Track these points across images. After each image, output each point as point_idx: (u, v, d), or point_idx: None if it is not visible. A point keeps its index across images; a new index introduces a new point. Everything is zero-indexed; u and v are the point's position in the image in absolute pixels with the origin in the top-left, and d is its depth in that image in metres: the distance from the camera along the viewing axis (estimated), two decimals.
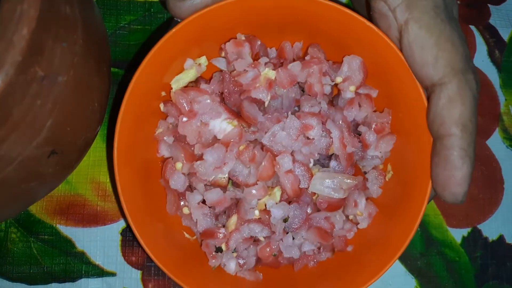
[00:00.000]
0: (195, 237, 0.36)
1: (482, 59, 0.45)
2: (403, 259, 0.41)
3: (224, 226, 0.34)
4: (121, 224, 0.40)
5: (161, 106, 0.35)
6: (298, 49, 0.36)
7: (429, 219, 0.42)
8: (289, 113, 0.33)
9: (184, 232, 0.36)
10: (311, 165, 0.34)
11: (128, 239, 0.40)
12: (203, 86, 0.34)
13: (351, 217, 0.36)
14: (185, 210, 0.35)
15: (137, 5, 0.43)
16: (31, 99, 0.25)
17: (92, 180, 0.40)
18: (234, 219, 0.34)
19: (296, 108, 0.36)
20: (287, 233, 0.34)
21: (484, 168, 0.44)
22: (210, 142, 0.34)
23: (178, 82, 0.34)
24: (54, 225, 0.39)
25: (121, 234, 0.40)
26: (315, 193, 0.34)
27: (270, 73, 0.33)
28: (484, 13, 0.46)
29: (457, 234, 0.42)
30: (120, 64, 0.42)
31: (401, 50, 0.30)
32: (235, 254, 0.34)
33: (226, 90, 0.34)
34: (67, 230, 0.39)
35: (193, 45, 0.34)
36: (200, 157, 0.33)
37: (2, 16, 0.22)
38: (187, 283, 0.31)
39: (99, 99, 0.31)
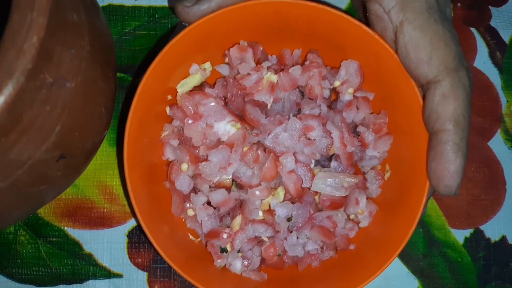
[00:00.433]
0: (199, 239, 0.36)
1: (483, 61, 0.45)
2: (406, 259, 0.42)
3: (228, 227, 0.35)
4: (128, 226, 0.40)
5: (167, 109, 0.35)
6: (297, 56, 0.37)
7: (432, 220, 0.43)
8: (291, 115, 0.34)
9: (189, 234, 0.36)
10: (312, 166, 0.35)
11: (135, 241, 0.40)
12: (207, 90, 0.35)
13: (352, 216, 0.37)
14: (190, 212, 0.35)
15: (141, 10, 0.43)
16: (40, 105, 0.25)
17: (99, 183, 0.41)
18: (238, 219, 0.34)
19: (297, 112, 0.36)
20: (291, 232, 0.35)
21: (486, 169, 0.44)
22: (214, 144, 0.35)
23: (184, 86, 0.35)
24: (62, 227, 0.40)
25: (128, 236, 0.40)
26: (317, 194, 0.35)
27: (272, 76, 0.34)
28: (485, 15, 0.46)
29: (460, 235, 0.43)
30: (126, 69, 0.42)
31: (396, 50, 0.31)
32: (240, 254, 0.35)
33: (229, 94, 0.35)
34: (75, 233, 0.40)
35: (197, 51, 0.35)
36: (205, 160, 0.34)
37: (12, 25, 0.23)
38: (196, 280, 0.32)
39: (105, 104, 0.32)
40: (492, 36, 0.46)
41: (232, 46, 0.35)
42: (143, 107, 0.32)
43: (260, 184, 0.34)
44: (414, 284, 0.42)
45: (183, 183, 0.34)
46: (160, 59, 0.31)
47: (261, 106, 0.35)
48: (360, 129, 0.36)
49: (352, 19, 0.32)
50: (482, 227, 0.43)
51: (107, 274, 0.39)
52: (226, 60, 0.36)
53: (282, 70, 0.36)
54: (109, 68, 0.33)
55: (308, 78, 0.35)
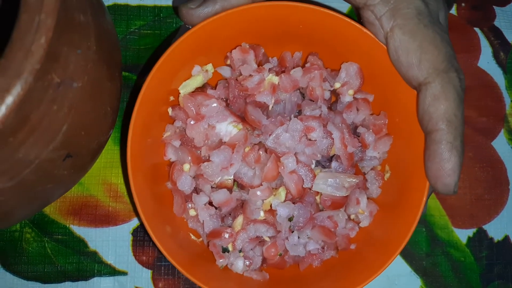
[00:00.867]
0: (201, 239, 0.37)
1: (487, 60, 0.45)
2: (409, 259, 0.42)
3: (230, 227, 0.35)
4: (132, 224, 0.41)
5: (169, 110, 0.36)
6: (298, 58, 0.38)
7: (435, 219, 0.43)
8: (292, 116, 0.34)
9: (191, 234, 0.37)
10: (313, 166, 0.35)
11: (139, 239, 0.41)
12: (209, 91, 0.36)
13: (353, 216, 0.37)
14: (192, 212, 0.36)
15: (146, 10, 0.43)
16: (47, 105, 0.26)
17: (104, 181, 0.41)
18: (240, 219, 0.35)
19: (298, 113, 0.37)
20: (293, 232, 0.35)
21: (490, 169, 0.44)
22: (216, 144, 0.35)
23: (186, 87, 0.35)
24: (67, 225, 0.40)
25: (132, 234, 0.41)
26: (318, 194, 0.35)
27: (273, 78, 0.35)
28: (489, 15, 0.46)
29: (463, 235, 0.43)
30: (131, 68, 0.43)
31: (388, 55, 0.32)
32: (241, 254, 0.35)
33: (231, 95, 0.35)
34: (80, 230, 0.40)
35: (199, 53, 0.35)
36: (206, 160, 0.34)
37: (20, 26, 0.23)
38: (199, 279, 0.32)
39: (111, 103, 0.32)
40: (496, 36, 0.46)
41: (234, 48, 0.35)
42: (146, 108, 0.32)
43: (262, 185, 0.34)
44: (417, 283, 0.42)
45: (185, 184, 0.35)
46: (163, 61, 0.32)
47: (263, 107, 0.36)
48: (360, 130, 0.36)
49: (352, 22, 0.32)
50: (485, 227, 0.43)
51: (112, 271, 0.40)
52: (228, 62, 0.37)
53: (283, 72, 0.36)
54: (115, 67, 0.33)
55: (309, 80, 0.36)
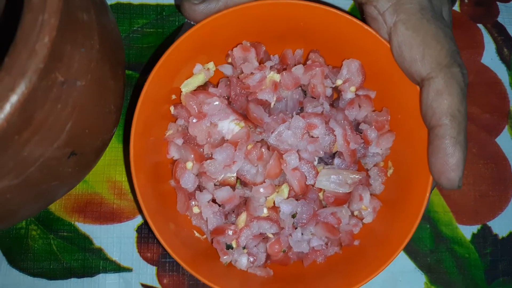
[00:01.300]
0: (204, 236, 0.37)
1: (491, 57, 0.45)
2: (413, 255, 0.42)
3: (233, 224, 0.36)
4: (137, 221, 0.41)
5: (172, 108, 0.36)
6: (299, 56, 0.38)
7: (439, 216, 0.43)
8: (294, 113, 0.34)
9: (194, 231, 0.37)
10: (315, 163, 0.35)
11: (144, 236, 0.41)
12: (211, 89, 0.36)
13: (356, 212, 0.37)
14: (195, 210, 0.36)
15: (149, 8, 0.44)
16: (52, 103, 0.26)
17: (108, 179, 0.41)
18: (243, 216, 0.35)
19: (299, 110, 0.37)
20: (296, 228, 0.35)
21: (494, 166, 0.44)
22: (218, 142, 0.35)
23: (188, 86, 0.36)
24: (72, 222, 0.41)
25: (137, 231, 0.41)
26: (321, 190, 0.35)
27: (275, 76, 0.35)
28: (493, 11, 0.46)
29: (467, 231, 0.43)
30: (134, 66, 0.43)
31: (391, 50, 0.32)
32: (245, 251, 0.35)
33: (233, 93, 0.35)
34: (85, 227, 0.41)
35: (201, 52, 0.35)
36: (209, 158, 0.35)
37: (24, 26, 0.23)
38: (203, 276, 0.32)
39: (115, 102, 0.33)
40: (499, 32, 0.45)
41: (235, 47, 0.35)
42: (148, 106, 0.32)
43: (265, 182, 0.34)
44: (421, 279, 0.42)
45: (188, 181, 0.35)
46: (165, 59, 0.32)
47: (264, 105, 0.36)
48: (363, 126, 0.36)
49: (353, 19, 0.32)
50: (489, 223, 0.43)
51: (117, 268, 0.40)
52: (229, 60, 0.37)
53: (285, 69, 0.36)
54: (118, 66, 0.33)
55: (311, 77, 0.36)
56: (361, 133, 0.36)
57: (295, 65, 0.36)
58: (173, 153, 0.36)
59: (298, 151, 0.34)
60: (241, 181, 0.36)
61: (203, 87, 0.37)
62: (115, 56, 0.32)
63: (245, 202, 0.36)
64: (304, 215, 0.34)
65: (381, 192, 0.37)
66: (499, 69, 0.45)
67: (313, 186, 0.35)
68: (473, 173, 0.43)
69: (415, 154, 0.33)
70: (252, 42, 0.36)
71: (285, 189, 0.35)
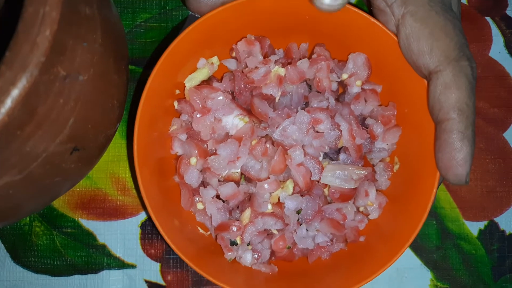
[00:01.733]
0: (209, 232, 0.37)
1: (499, 50, 0.44)
2: (419, 251, 0.42)
3: (238, 220, 0.35)
4: (140, 217, 0.41)
5: (175, 104, 0.36)
6: (304, 49, 0.37)
7: (445, 212, 0.42)
8: (299, 108, 0.34)
9: (198, 228, 0.37)
10: (320, 158, 0.35)
11: (147, 232, 0.41)
12: (215, 84, 0.35)
13: (362, 208, 0.37)
14: (199, 206, 0.36)
15: (152, 3, 0.43)
16: (54, 98, 0.26)
17: (112, 175, 0.41)
18: (248, 212, 0.35)
19: (304, 105, 0.36)
20: (301, 224, 0.35)
21: (501, 161, 0.43)
22: (223, 137, 0.35)
23: (192, 80, 0.35)
24: (76, 219, 0.40)
25: (140, 227, 0.41)
26: (326, 186, 0.35)
27: (280, 70, 0.35)
28: (501, 4, 0.45)
29: (474, 227, 0.42)
30: (137, 61, 0.42)
31: (398, 43, 0.31)
32: (250, 247, 0.35)
33: (237, 88, 0.35)
34: (89, 224, 0.40)
35: (205, 46, 0.35)
36: (213, 154, 0.34)
37: (25, 19, 0.23)
38: (207, 272, 0.32)
39: (118, 97, 0.32)
40: (508, 25, 0.45)
41: (240, 40, 0.35)
42: (152, 102, 0.32)
43: (269, 177, 0.34)
44: (427, 276, 0.41)
45: (192, 177, 0.35)
46: (168, 54, 0.32)
47: (269, 99, 0.35)
48: (369, 121, 0.36)
49: (359, 11, 0.32)
50: (496, 219, 0.42)
51: (121, 264, 0.40)
52: (233, 54, 0.36)
53: (290, 63, 0.36)
54: (121, 61, 0.33)
55: (316, 71, 0.35)
56: (367, 128, 0.36)
57: (300, 59, 0.36)
58: (177, 149, 0.36)
59: (303, 146, 0.34)
60: (246, 177, 0.36)
61: (207, 82, 0.37)
62: (118, 50, 0.32)
63: (249, 198, 0.36)
64: (309, 211, 0.34)
65: (387, 187, 0.36)
66: (508, 63, 0.44)
67: (318, 182, 0.35)
68: (480, 169, 0.43)
69: (422, 149, 0.33)
70: (257, 36, 0.36)
71: (290, 185, 0.34)
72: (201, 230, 0.37)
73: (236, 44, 0.35)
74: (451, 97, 0.29)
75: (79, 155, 0.30)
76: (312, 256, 0.36)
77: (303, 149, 0.34)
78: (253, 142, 0.34)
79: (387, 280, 0.41)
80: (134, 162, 0.32)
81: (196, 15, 0.33)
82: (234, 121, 0.35)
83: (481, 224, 0.42)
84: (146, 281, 0.40)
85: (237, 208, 0.36)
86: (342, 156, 0.36)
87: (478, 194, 0.43)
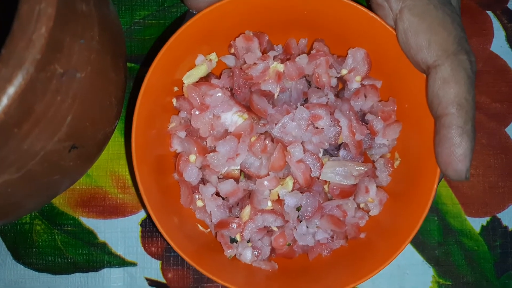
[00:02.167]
0: (208, 230, 0.37)
1: (500, 44, 0.44)
2: (421, 248, 0.41)
3: (237, 217, 0.35)
4: (141, 215, 0.41)
5: (174, 101, 0.36)
6: (303, 45, 0.37)
7: (447, 208, 0.42)
8: (298, 104, 0.34)
9: (198, 225, 0.36)
10: (320, 155, 0.35)
11: (148, 230, 0.41)
12: (214, 81, 0.35)
13: (362, 205, 0.36)
14: (199, 203, 0.35)
15: (150, 0, 0.43)
16: (51, 95, 0.25)
17: (112, 173, 0.41)
18: (247, 209, 0.34)
19: (304, 101, 0.36)
20: (301, 221, 0.35)
21: (503, 156, 0.43)
22: (222, 134, 0.35)
23: (190, 77, 0.35)
24: (76, 217, 0.40)
25: (141, 225, 0.41)
26: (326, 183, 0.35)
27: (278, 66, 0.34)
28: None
29: (476, 223, 0.42)
30: (136, 59, 0.42)
31: (397, 38, 0.31)
32: (250, 244, 0.35)
33: (236, 84, 0.35)
34: (89, 222, 0.40)
35: (203, 42, 0.35)
36: (212, 151, 0.34)
37: (21, 16, 0.23)
38: (207, 270, 0.32)
39: (116, 94, 0.32)
40: (509, 19, 0.44)
41: (238, 37, 0.35)
42: (149, 99, 0.32)
43: (269, 174, 0.34)
44: (429, 272, 0.41)
45: (191, 174, 0.35)
46: (165, 50, 0.31)
47: (268, 96, 0.35)
48: (369, 117, 0.36)
49: (358, 6, 0.32)
50: (499, 215, 0.42)
51: (122, 262, 0.40)
52: (232, 50, 0.36)
53: (288, 59, 0.35)
54: (119, 58, 0.33)
55: (315, 67, 0.35)
56: (367, 123, 0.36)
57: (299, 54, 0.36)
58: (176, 146, 0.36)
59: (302, 143, 0.34)
60: (245, 174, 0.35)
61: (205, 79, 0.36)
62: (116, 47, 0.32)
63: (249, 195, 0.35)
64: (309, 208, 0.34)
65: (387, 184, 0.36)
66: (509, 57, 0.44)
67: (318, 178, 0.35)
68: (482, 164, 0.43)
69: (422, 144, 0.32)
70: (255, 32, 0.36)
71: (289, 182, 0.34)
72: (201, 228, 0.37)
73: (235, 40, 0.35)
74: (450, 91, 0.29)
75: (78, 153, 0.30)
76: (313, 253, 0.35)
77: (303, 146, 0.34)
78: (252, 139, 0.34)
79: (389, 277, 0.41)
80: (132, 160, 0.31)
81: (194, 11, 0.33)
82: (233, 118, 0.35)
83: (484, 220, 0.42)
84: (147, 279, 0.40)
85: (237, 205, 0.36)
86: (342, 152, 0.35)
87: (480, 190, 0.42)
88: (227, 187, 0.34)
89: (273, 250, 0.36)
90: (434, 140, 0.31)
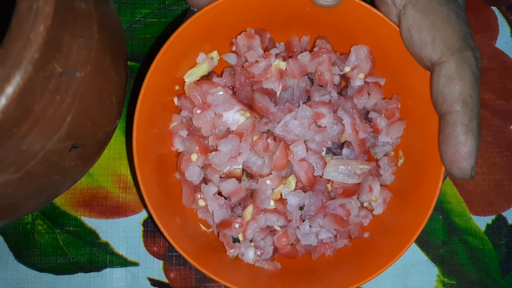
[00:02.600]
0: (211, 229, 0.36)
1: (505, 41, 0.43)
2: (425, 247, 0.41)
3: (240, 217, 0.35)
4: (143, 215, 0.41)
5: (175, 100, 0.35)
6: (306, 42, 0.37)
7: (452, 206, 0.42)
8: (301, 102, 0.34)
9: (201, 225, 0.36)
10: (323, 153, 0.35)
11: (150, 230, 0.40)
12: (215, 79, 0.35)
13: (366, 204, 0.36)
14: (201, 203, 0.35)
15: None
16: (50, 95, 0.25)
17: (113, 172, 0.41)
18: (250, 209, 0.34)
19: (306, 99, 0.36)
20: (304, 220, 0.34)
21: (509, 154, 0.42)
22: (223, 133, 0.34)
23: (191, 76, 0.35)
24: (78, 217, 0.40)
25: (143, 225, 0.40)
26: (329, 182, 0.35)
27: (281, 64, 0.34)
28: None
29: (481, 222, 0.41)
30: (137, 57, 0.42)
31: (400, 34, 0.31)
32: (252, 244, 0.35)
33: (237, 83, 0.34)
34: (91, 222, 0.40)
35: (204, 40, 0.34)
36: (214, 150, 0.34)
37: (19, 15, 0.23)
38: (209, 270, 0.32)
39: (116, 93, 0.32)
40: None
41: (239, 34, 0.34)
42: (150, 98, 0.32)
43: (271, 173, 0.34)
44: (434, 272, 0.41)
45: (193, 174, 0.34)
46: (166, 49, 0.31)
47: (270, 94, 0.35)
48: (372, 115, 0.35)
49: (361, 2, 0.31)
50: (504, 213, 0.42)
51: (124, 262, 0.40)
52: (233, 48, 0.36)
53: (291, 57, 0.35)
54: (119, 57, 0.32)
55: (318, 65, 0.35)
56: (370, 121, 0.35)
57: (301, 52, 0.35)
58: (178, 145, 0.36)
59: (305, 141, 0.34)
60: (247, 173, 0.35)
61: (207, 77, 0.36)
62: (116, 46, 0.32)
63: (251, 195, 0.35)
64: (312, 207, 0.34)
65: (391, 182, 0.36)
66: None
67: (321, 177, 0.34)
68: (487, 162, 0.42)
69: (427, 142, 0.32)
70: (257, 29, 0.35)
71: (292, 181, 0.34)
72: (203, 227, 0.36)
73: (236, 38, 0.35)
74: (455, 89, 0.29)
75: (78, 153, 0.30)
76: (316, 253, 0.35)
77: (305, 144, 0.33)
78: (255, 138, 0.34)
79: (393, 276, 0.40)
80: (133, 159, 0.31)
81: (195, 9, 0.32)
82: (235, 117, 0.35)
83: (489, 219, 0.42)
84: (149, 279, 0.40)
85: (239, 204, 0.36)
86: (345, 150, 0.35)
87: (485, 188, 0.42)
88: (229, 186, 0.34)
89: (275, 249, 0.35)
90: (438, 138, 0.30)
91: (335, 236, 0.35)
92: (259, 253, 0.35)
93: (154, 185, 0.33)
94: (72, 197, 0.40)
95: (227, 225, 0.34)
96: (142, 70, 0.42)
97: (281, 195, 0.34)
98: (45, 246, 0.40)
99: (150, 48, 0.42)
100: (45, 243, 0.40)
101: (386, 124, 0.35)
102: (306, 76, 0.36)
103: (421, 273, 0.41)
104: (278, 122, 0.34)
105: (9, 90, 0.22)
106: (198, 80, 0.36)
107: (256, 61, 0.34)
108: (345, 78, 0.37)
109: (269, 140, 0.33)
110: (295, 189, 0.34)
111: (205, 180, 0.36)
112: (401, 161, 0.36)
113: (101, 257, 0.40)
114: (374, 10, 0.31)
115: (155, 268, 0.40)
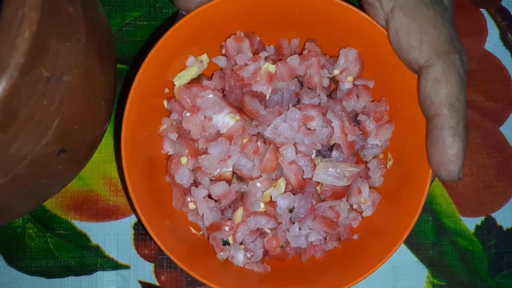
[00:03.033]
0: (201, 232, 0.36)
1: (494, 43, 0.44)
2: (415, 248, 0.41)
3: (230, 220, 0.35)
4: (133, 218, 0.41)
5: (165, 103, 0.35)
6: (295, 45, 0.37)
7: (441, 208, 0.42)
8: (290, 105, 0.34)
9: (191, 228, 0.36)
10: (313, 156, 0.35)
11: (141, 233, 0.40)
12: (205, 82, 0.35)
13: (355, 206, 0.36)
14: (191, 206, 0.35)
15: (142, 1, 0.43)
16: (37, 99, 0.25)
17: (104, 176, 0.41)
18: (240, 212, 0.34)
19: (296, 102, 0.36)
20: (294, 223, 0.34)
21: (498, 155, 0.43)
22: (213, 136, 0.35)
23: (181, 79, 0.35)
24: (69, 220, 0.40)
25: (134, 228, 0.40)
26: (318, 184, 0.35)
27: (270, 67, 0.34)
28: None
29: (470, 223, 0.42)
30: (128, 60, 0.42)
31: (388, 37, 0.31)
32: (242, 247, 0.35)
33: (227, 86, 0.34)
34: (82, 225, 0.40)
35: (193, 43, 0.34)
36: (204, 153, 0.34)
37: (4, 20, 0.22)
38: (199, 273, 0.32)
39: (105, 96, 0.32)
40: (503, 17, 0.44)
41: (229, 37, 0.34)
42: (140, 101, 0.32)
43: (261, 176, 0.34)
44: (423, 273, 0.41)
45: (183, 177, 0.34)
46: (155, 52, 0.31)
47: (260, 97, 0.35)
48: (361, 117, 0.35)
49: (349, 6, 0.31)
50: (493, 215, 0.42)
51: (115, 265, 0.40)
52: (223, 51, 0.36)
53: (280, 60, 0.35)
54: (108, 60, 0.32)
55: (307, 67, 0.35)
56: (359, 124, 0.35)
57: (291, 55, 0.36)
58: (168, 148, 0.36)
59: (295, 144, 0.34)
60: (237, 176, 0.35)
61: (196, 80, 0.36)
62: (104, 49, 0.32)
63: (241, 197, 0.35)
64: (301, 210, 0.34)
65: (380, 184, 0.36)
66: (503, 55, 0.44)
67: (310, 179, 0.34)
68: (477, 163, 0.42)
69: (415, 145, 0.32)
70: (246, 32, 0.35)
71: (282, 183, 0.34)
72: (193, 230, 0.36)
73: (226, 41, 0.35)
74: (442, 92, 0.29)
75: (67, 157, 0.30)
76: (306, 255, 0.35)
77: (295, 147, 0.33)
78: (244, 141, 0.34)
79: (383, 277, 0.40)
80: (122, 162, 0.31)
81: (184, 12, 0.32)
82: (225, 120, 0.35)
83: (478, 220, 0.42)
84: (140, 282, 0.40)
85: (229, 207, 0.36)
86: (334, 153, 0.35)
87: (474, 190, 0.42)
88: (219, 189, 0.34)
89: (265, 252, 0.36)
90: (426, 141, 0.30)
91: (325, 238, 0.35)
92: (249, 256, 0.35)
93: (143, 188, 0.33)
94: (63, 201, 0.40)
95: (217, 228, 0.35)
96: (131, 73, 0.42)
97: (271, 197, 0.34)
98: (35, 250, 0.40)
99: (139, 51, 0.42)
100: (35, 246, 0.40)
101: (375, 127, 0.35)
102: (296, 79, 0.36)
103: (411, 274, 0.41)
104: (268, 125, 0.34)
105: None
106: (187, 83, 0.36)
107: (246, 64, 0.34)
108: (334, 80, 0.37)
109: (259, 143, 0.34)
110: (285, 192, 0.34)
111: (195, 183, 0.36)
112: (390, 163, 0.36)
113: (92, 260, 0.40)
114: (362, 13, 0.31)
115: (146, 271, 0.40)
